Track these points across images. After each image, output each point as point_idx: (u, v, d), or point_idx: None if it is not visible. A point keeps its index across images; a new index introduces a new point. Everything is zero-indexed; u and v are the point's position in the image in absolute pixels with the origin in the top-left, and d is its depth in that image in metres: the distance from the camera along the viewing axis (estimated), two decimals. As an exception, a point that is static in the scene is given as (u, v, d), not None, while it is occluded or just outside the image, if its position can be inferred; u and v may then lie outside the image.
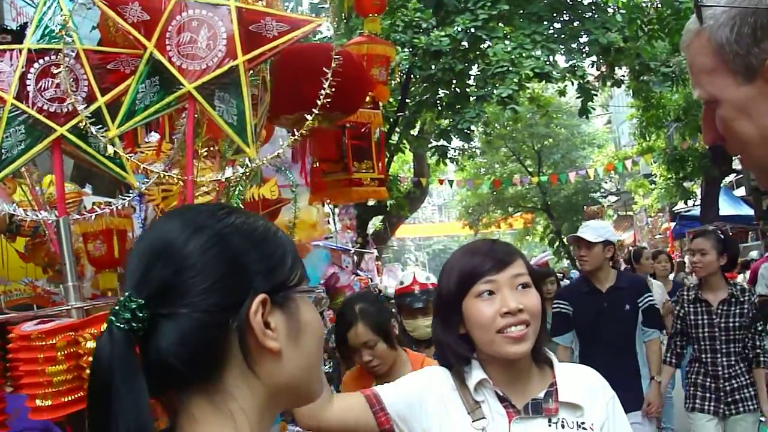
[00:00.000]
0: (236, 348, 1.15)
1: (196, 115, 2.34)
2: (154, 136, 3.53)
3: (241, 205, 2.50)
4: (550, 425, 2.11)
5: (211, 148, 2.76)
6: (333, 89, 2.36)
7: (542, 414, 2.12)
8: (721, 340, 5.56)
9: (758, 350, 5.54)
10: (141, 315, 1.12)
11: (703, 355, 5.68)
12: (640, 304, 5.78)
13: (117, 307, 1.13)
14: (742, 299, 5.57)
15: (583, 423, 2.13)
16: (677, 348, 5.95)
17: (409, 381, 2.30)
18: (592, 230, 5.91)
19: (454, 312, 2.17)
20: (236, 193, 2.55)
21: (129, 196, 2.34)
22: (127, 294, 1.15)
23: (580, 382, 2.21)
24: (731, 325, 5.55)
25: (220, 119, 2.22)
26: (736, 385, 5.52)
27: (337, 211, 13.42)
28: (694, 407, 5.75)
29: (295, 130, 2.46)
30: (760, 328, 5.56)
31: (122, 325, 1.12)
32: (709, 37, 1.40)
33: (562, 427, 2.11)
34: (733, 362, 5.55)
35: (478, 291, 2.11)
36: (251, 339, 1.16)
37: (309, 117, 2.33)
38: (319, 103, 2.30)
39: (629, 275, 7.42)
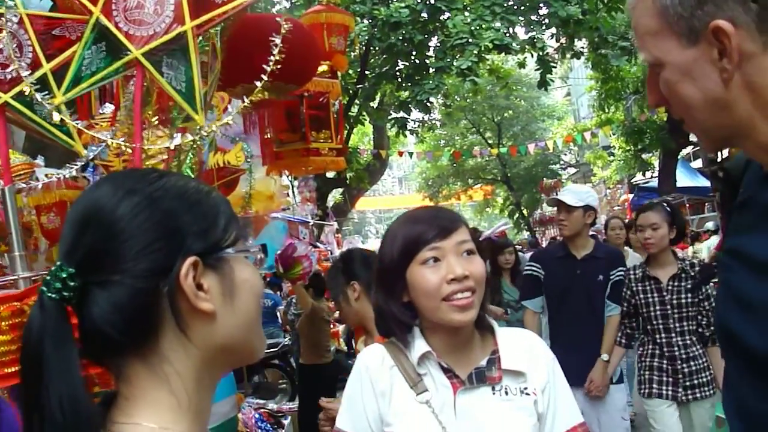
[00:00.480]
0: (169, 312, 1.14)
1: (145, 83, 2.30)
2: (109, 108, 3.47)
3: (192, 174, 2.46)
4: (494, 393, 2.12)
5: (164, 117, 2.71)
6: (282, 59, 2.33)
7: (486, 383, 2.12)
8: (674, 318, 5.22)
9: (713, 327, 4.97)
10: (72, 284, 1.11)
11: (657, 336, 5.30)
12: (611, 277, 5.54)
13: (48, 277, 1.12)
14: (692, 273, 5.22)
15: (525, 389, 2.14)
16: (627, 329, 5.53)
17: (353, 391, 2.22)
18: (573, 194, 5.65)
19: (397, 280, 2.14)
20: (187, 161, 2.52)
21: (76, 165, 2.29)
22: (58, 263, 1.13)
23: (521, 348, 2.21)
24: (683, 301, 5.22)
25: (168, 86, 2.18)
26: (694, 368, 5.15)
27: (296, 183, 13.36)
28: (651, 393, 5.35)
29: (245, 99, 2.40)
30: (708, 292, 5.21)
31: (53, 295, 1.10)
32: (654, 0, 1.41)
33: (506, 394, 2.12)
34: (688, 342, 5.19)
35: (423, 258, 2.09)
36: (183, 302, 1.15)
37: (258, 86, 2.28)
38: (267, 72, 2.27)
39: (607, 246, 7.15)
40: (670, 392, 5.23)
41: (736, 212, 1.63)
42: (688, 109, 1.48)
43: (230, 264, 1.22)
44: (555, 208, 5.82)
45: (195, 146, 2.45)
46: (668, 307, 5.23)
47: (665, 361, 5.26)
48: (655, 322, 5.30)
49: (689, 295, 5.18)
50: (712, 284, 5.22)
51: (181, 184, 1.23)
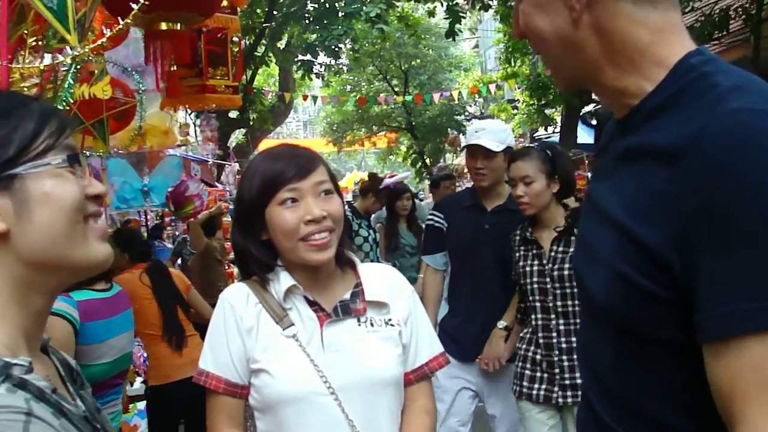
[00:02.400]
0: None
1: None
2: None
3: (69, 100, 2.31)
4: (359, 325, 2.17)
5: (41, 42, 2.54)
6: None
7: (351, 315, 2.17)
8: (555, 295, 3.98)
9: None
10: None
11: (534, 316, 4.07)
12: None
13: None
14: None
15: (389, 320, 2.21)
16: (521, 303, 4.32)
17: (216, 330, 2.18)
18: (492, 135, 4.46)
19: (256, 218, 2.14)
20: (66, 87, 2.36)
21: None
22: None
23: (382, 281, 2.28)
24: (565, 273, 3.95)
25: (38, 3, 2.02)
26: (576, 362, 3.73)
27: (198, 122, 13.08)
28: (521, 392, 4.11)
29: (121, 22, 2.25)
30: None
31: None
32: None
33: (371, 325, 2.18)
34: (572, 327, 3.94)
35: (282, 198, 2.09)
36: None
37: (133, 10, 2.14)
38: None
39: None
40: (542, 392, 4.01)
41: (597, 159, 1.70)
42: (543, 44, 1.51)
43: (24, 180, 1.19)
44: (460, 158, 5.42)
45: (74, 71, 2.29)
46: (547, 279, 4.00)
47: (540, 351, 4.05)
48: (531, 298, 4.09)
49: None
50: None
51: None
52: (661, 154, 1.32)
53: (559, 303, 3.96)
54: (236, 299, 2.16)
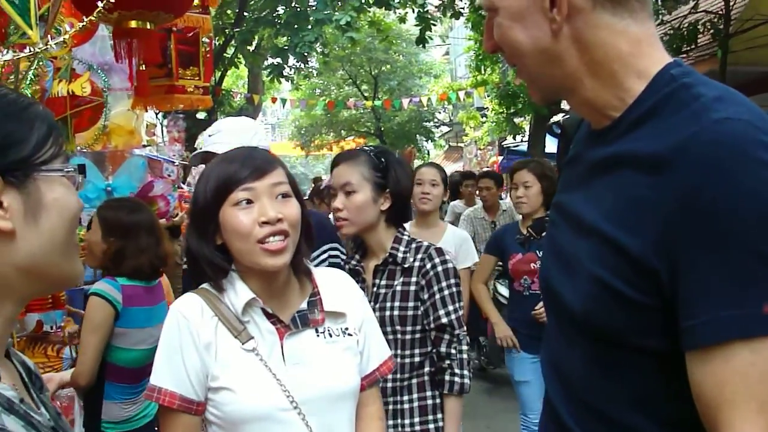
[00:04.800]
0: None
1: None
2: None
3: (30, 94, 2.25)
4: (318, 336, 2.12)
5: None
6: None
7: (309, 326, 2.12)
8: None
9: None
10: None
11: None
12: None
13: None
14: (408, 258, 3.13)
15: (347, 329, 2.18)
16: None
17: (170, 345, 2.05)
18: (231, 136, 3.39)
19: (210, 221, 2.07)
20: (27, 83, 2.29)
21: None
22: None
23: (338, 288, 2.24)
24: (387, 315, 3.10)
25: (0, -5, 1.96)
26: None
27: (165, 122, 12.98)
28: None
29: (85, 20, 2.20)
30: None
31: None
32: None
33: (330, 335, 2.14)
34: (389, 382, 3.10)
35: (236, 199, 2.02)
36: None
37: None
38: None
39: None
40: None
41: (565, 168, 1.67)
42: (520, 57, 1.49)
43: (38, 183, 1.16)
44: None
45: (36, 68, 2.23)
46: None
47: None
48: None
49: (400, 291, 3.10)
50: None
51: None
52: (644, 163, 1.32)
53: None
54: (191, 312, 2.05)
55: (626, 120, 1.41)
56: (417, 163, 37.96)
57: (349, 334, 2.17)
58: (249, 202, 2.02)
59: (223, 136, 3.45)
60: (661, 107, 1.36)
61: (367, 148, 3.26)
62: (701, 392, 1.25)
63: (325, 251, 3.37)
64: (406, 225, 4.61)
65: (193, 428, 2.04)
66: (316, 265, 2.88)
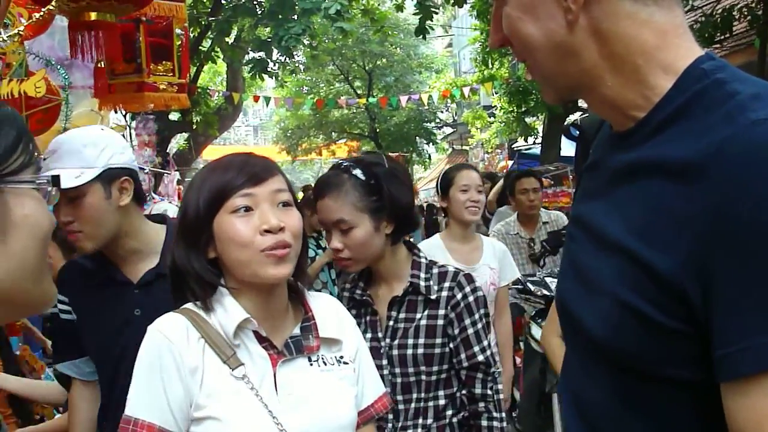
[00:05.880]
0: None
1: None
2: None
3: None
4: (311, 364, 2.12)
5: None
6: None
7: (303, 353, 2.12)
8: (394, 386, 3.00)
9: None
10: None
11: None
12: None
13: None
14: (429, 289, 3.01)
15: (341, 357, 2.19)
16: None
17: (149, 370, 2.03)
18: (68, 158, 2.80)
19: (202, 232, 2.06)
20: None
21: None
22: None
23: (331, 314, 2.25)
24: (410, 353, 2.97)
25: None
26: None
27: (134, 124, 12.95)
28: None
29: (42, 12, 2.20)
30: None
31: None
32: None
33: (324, 364, 2.14)
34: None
35: (234, 206, 2.03)
36: None
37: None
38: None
39: None
40: None
41: (585, 175, 1.66)
42: (531, 52, 1.48)
43: (5, 196, 1.13)
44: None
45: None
46: (384, 362, 2.98)
47: None
48: None
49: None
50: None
51: None
52: (674, 170, 1.30)
53: (399, 398, 2.98)
54: (175, 334, 2.02)
55: (652, 121, 1.39)
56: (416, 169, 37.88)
57: (345, 363, 2.17)
58: (248, 209, 2.03)
59: (60, 158, 2.84)
60: (691, 107, 1.34)
61: (350, 166, 2.93)
62: (737, 428, 1.23)
63: None
64: (437, 237, 4.59)
65: None
66: None
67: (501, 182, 9.31)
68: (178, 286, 2.14)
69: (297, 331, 2.15)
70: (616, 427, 1.46)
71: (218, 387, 2.00)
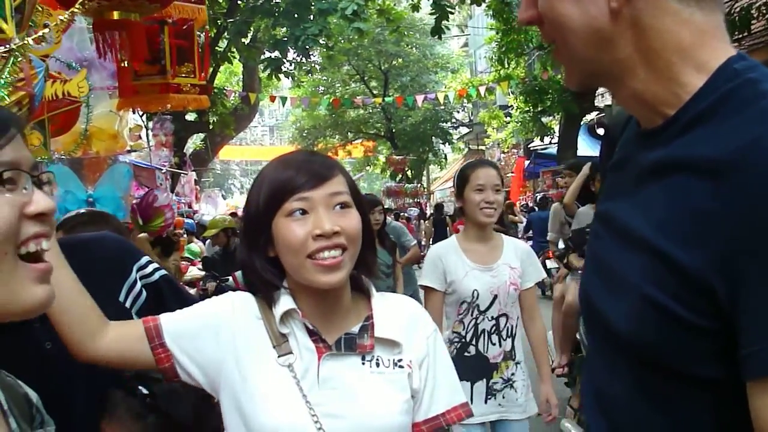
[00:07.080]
0: None
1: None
2: None
3: (6, 97, 2.26)
4: (363, 363, 2.09)
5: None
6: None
7: (356, 351, 2.09)
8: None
9: None
10: None
11: None
12: None
13: None
14: None
15: (400, 360, 2.12)
16: None
17: (203, 307, 2.17)
18: None
19: (261, 232, 2.07)
20: (2, 83, 2.30)
21: None
22: None
23: (399, 315, 2.19)
24: None
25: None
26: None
27: (151, 124, 12.98)
28: None
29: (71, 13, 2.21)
30: None
31: None
32: None
33: (377, 365, 2.09)
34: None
35: (290, 209, 2.02)
36: None
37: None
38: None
39: None
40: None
41: (610, 173, 1.66)
42: (564, 33, 1.46)
43: None
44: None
45: (13, 67, 2.24)
46: None
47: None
48: None
49: None
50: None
51: None
52: (703, 168, 1.30)
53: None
54: (243, 306, 2.12)
55: (682, 119, 1.39)
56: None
57: (401, 367, 2.12)
58: (303, 212, 2.02)
59: None
60: (722, 105, 1.34)
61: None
62: (761, 425, 1.23)
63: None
64: (453, 238, 4.61)
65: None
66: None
67: (584, 171, 7.82)
68: (247, 280, 2.20)
69: (356, 329, 2.12)
70: (636, 423, 1.47)
71: (263, 367, 2.03)
